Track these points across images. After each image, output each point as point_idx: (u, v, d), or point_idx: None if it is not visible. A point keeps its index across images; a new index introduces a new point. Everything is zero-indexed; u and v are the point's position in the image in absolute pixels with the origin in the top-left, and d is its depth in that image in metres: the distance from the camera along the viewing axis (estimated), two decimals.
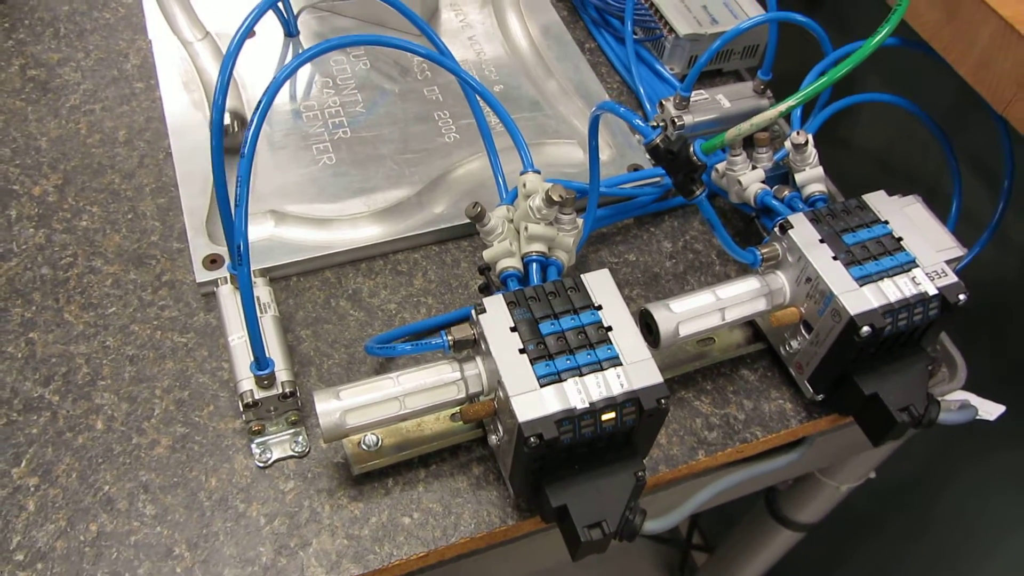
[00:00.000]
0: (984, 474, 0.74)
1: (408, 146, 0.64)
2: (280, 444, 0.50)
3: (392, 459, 0.50)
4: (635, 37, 0.71)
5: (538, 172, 0.53)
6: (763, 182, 0.59)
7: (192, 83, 0.67)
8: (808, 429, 0.56)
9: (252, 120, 0.45)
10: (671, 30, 0.70)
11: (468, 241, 0.61)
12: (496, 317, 0.46)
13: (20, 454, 0.49)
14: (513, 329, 0.46)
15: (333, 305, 0.57)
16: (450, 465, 0.51)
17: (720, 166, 0.61)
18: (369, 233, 0.59)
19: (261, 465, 0.50)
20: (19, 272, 0.56)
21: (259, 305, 0.51)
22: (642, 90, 0.70)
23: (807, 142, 0.57)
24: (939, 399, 0.53)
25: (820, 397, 0.54)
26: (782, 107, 0.46)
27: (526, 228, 0.51)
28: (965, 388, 0.60)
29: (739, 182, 0.59)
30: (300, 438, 0.50)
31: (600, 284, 0.48)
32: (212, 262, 0.56)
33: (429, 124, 0.66)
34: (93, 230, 0.59)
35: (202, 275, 0.56)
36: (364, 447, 0.50)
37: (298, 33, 0.70)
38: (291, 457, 0.50)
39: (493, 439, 0.48)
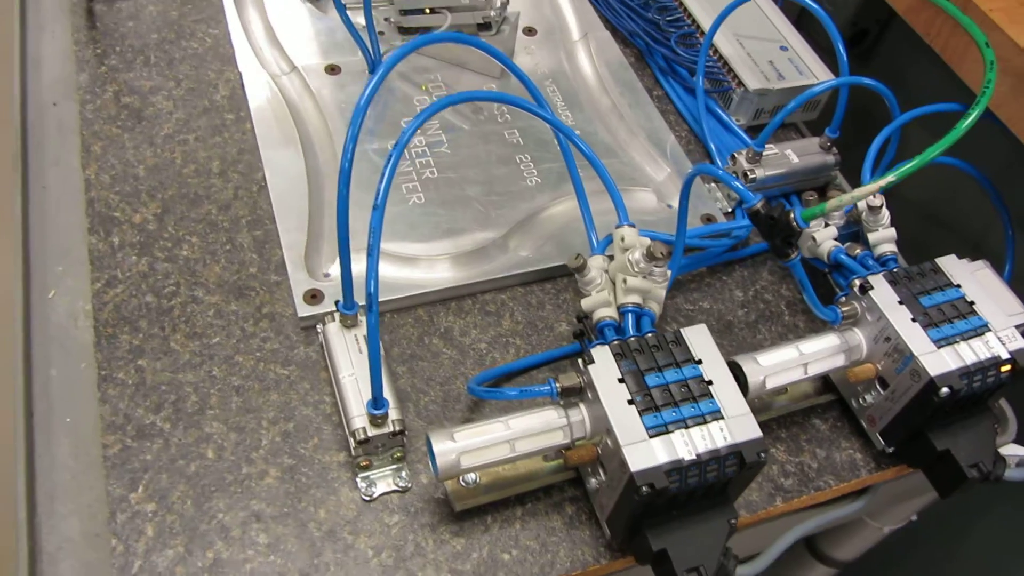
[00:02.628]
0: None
1: (493, 188, 0.67)
2: (384, 479, 0.53)
3: (492, 497, 0.52)
4: (704, 88, 0.74)
5: (633, 226, 0.56)
6: (835, 239, 0.62)
7: (282, 116, 0.69)
8: (876, 479, 0.58)
9: (384, 173, 0.47)
10: (740, 83, 0.73)
11: (551, 284, 0.64)
12: (604, 368, 0.49)
13: (136, 480, 0.51)
14: (621, 380, 0.49)
15: (427, 343, 0.59)
16: (544, 504, 0.53)
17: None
18: (458, 274, 0.61)
19: (367, 499, 0.52)
20: (125, 299, 0.58)
21: (366, 343, 0.54)
22: (711, 141, 0.73)
23: (882, 204, 0.60)
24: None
25: (891, 450, 0.57)
26: (882, 182, 0.49)
27: (624, 281, 0.54)
28: (1016, 442, 0.63)
29: (813, 238, 0.62)
30: (404, 473, 0.53)
31: (699, 339, 0.51)
32: (312, 297, 0.58)
33: (511, 167, 0.68)
34: (194, 260, 0.61)
35: (304, 310, 0.58)
36: (463, 484, 0.52)
37: None
38: (395, 492, 0.52)
39: (592, 482, 0.51)
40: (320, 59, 0.73)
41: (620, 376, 0.49)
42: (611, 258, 0.57)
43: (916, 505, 0.74)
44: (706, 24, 0.77)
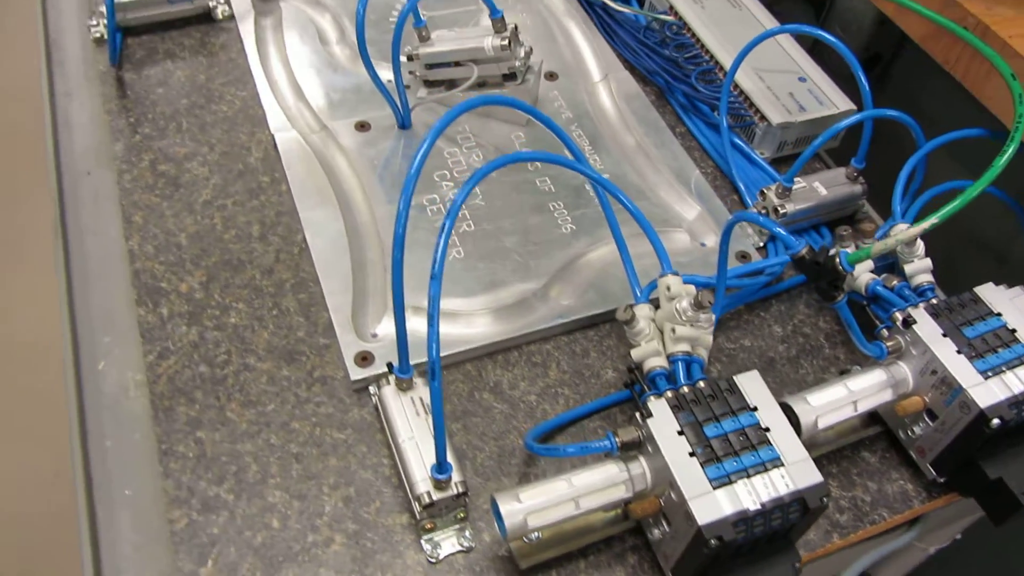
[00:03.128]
0: None
1: (529, 238, 0.68)
2: (448, 540, 0.53)
3: (555, 552, 0.53)
4: (727, 124, 0.75)
5: (676, 274, 0.57)
6: (871, 271, 0.63)
7: (317, 175, 0.70)
8: (928, 508, 0.59)
9: (439, 242, 0.48)
10: (763, 118, 0.74)
11: (594, 331, 0.65)
12: (663, 421, 0.50)
13: (205, 554, 0.52)
14: (680, 432, 0.49)
15: (477, 398, 0.60)
16: (607, 555, 0.54)
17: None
18: (503, 326, 0.62)
19: (432, 561, 0.52)
20: (179, 370, 0.59)
21: (423, 406, 0.54)
22: (737, 177, 0.74)
23: (916, 239, 0.61)
24: None
25: (942, 479, 0.58)
26: (926, 225, 0.50)
27: (673, 330, 0.55)
28: None
29: (837, 255, 0.63)
30: (467, 533, 0.53)
31: (752, 385, 0.52)
32: (363, 359, 0.59)
33: (545, 215, 0.69)
34: (242, 327, 0.62)
35: (355, 373, 0.59)
36: (527, 541, 0.53)
37: (411, 125, 0.74)
38: (459, 552, 0.53)
39: (655, 533, 0.52)
40: (349, 116, 0.74)
41: (679, 428, 0.50)
42: (656, 305, 0.58)
43: (962, 525, 0.75)
44: (724, 60, 0.78)
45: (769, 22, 0.82)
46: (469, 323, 0.62)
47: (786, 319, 0.67)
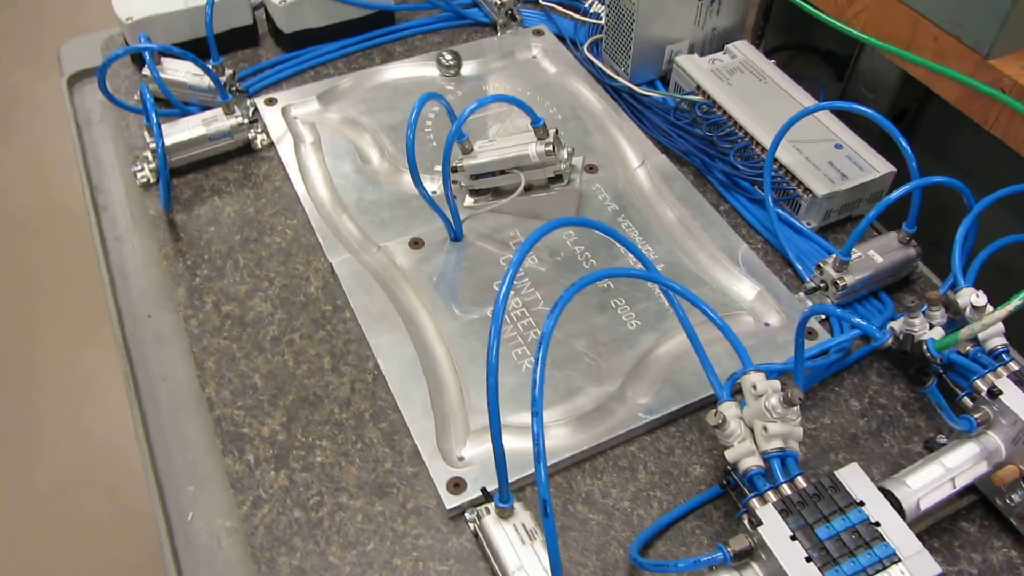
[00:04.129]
0: None
1: (597, 339, 0.68)
2: None
3: None
4: (772, 199, 0.76)
5: (759, 370, 0.57)
6: None
7: (378, 298, 0.71)
8: None
9: (535, 379, 0.48)
10: (807, 190, 0.75)
11: (675, 427, 0.65)
12: (774, 528, 0.50)
13: None
14: (793, 538, 0.49)
15: (572, 511, 0.60)
16: None
17: (896, 325, 0.65)
18: (586, 435, 0.63)
19: None
20: (274, 518, 0.59)
21: (527, 532, 0.55)
22: (788, 250, 0.74)
23: (986, 303, 0.62)
24: None
25: None
26: (1010, 307, 0.51)
27: (765, 428, 0.55)
28: None
29: (924, 343, 0.63)
30: None
31: (855, 480, 0.52)
32: (455, 486, 0.59)
33: (609, 313, 0.70)
34: (329, 464, 0.62)
35: (450, 501, 0.59)
36: None
37: (463, 237, 0.75)
38: None
39: None
40: (401, 234, 0.75)
41: (791, 533, 0.50)
42: (739, 399, 0.58)
43: None
44: (759, 135, 0.79)
45: (797, 93, 0.84)
46: (552, 435, 0.63)
47: (861, 391, 0.67)
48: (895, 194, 0.66)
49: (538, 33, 0.96)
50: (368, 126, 0.85)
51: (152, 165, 0.80)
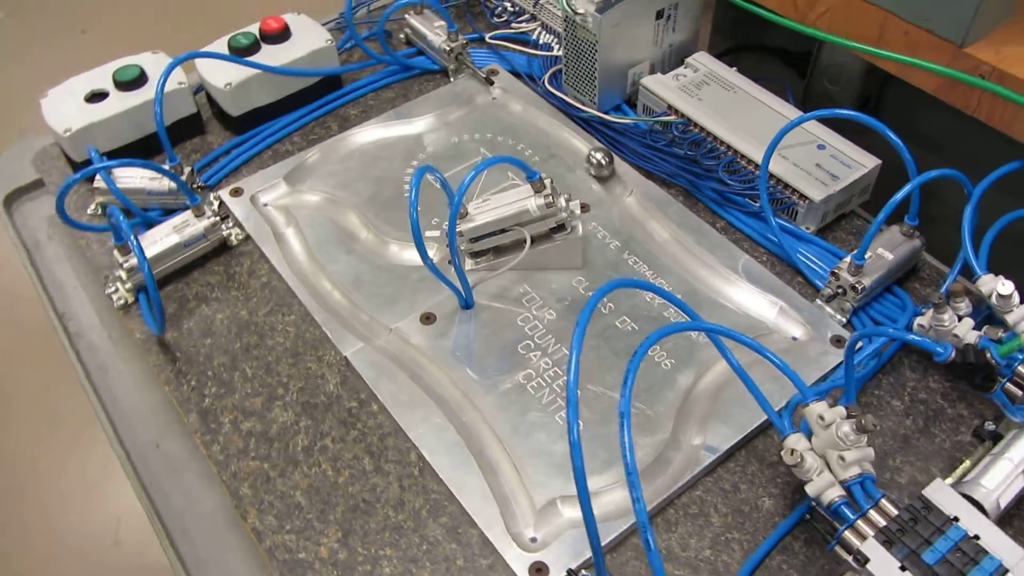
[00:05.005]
0: None
1: (636, 386, 0.67)
2: None
3: None
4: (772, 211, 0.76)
5: (821, 398, 0.57)
6: (974, 328, 0.64)
7: (403, 383, 0.68)
8: None
9: (626, 448, 0.47)
10: (802, 197, 0.76)
11: (733, 462, 0.64)
12: (882, 562, 0.50)
13: None
14: (903, 568, 0.49)
15: None
16: None
17: (923, 321, 0.66)
18: (651, 489, 0.61)
19: None
20: None
21: None
22: (795, 259, 0.75)
23: (1012, 292, 0.63)
24: None
25: None
26: None
27: (842, 457, 0.55)
28: None
29: (955, 335, 0.64)
30: None
31: (942, 495, 0.52)
32: (538, 571, 0.57)
33: None
34: (399, 575, 0.59)
35: None
36: None
37: (474, 304, 0.73)
38: None
39: None
40: (410, 310, 0.73)
41: (900, 564, 0.50)
42: (800, 430, 0.58)
43: None
44: (743, 148, 0.79)
45: (768, 99, 0.84)
46: (617, 495, 0.61)
47: (899, 390, 0.68)
48: (900, 194, 0.67)
49: (493, 73, 0.94)
50: (346, 201, 0.82)
51: (128, 285, 0.75)
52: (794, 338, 0.70)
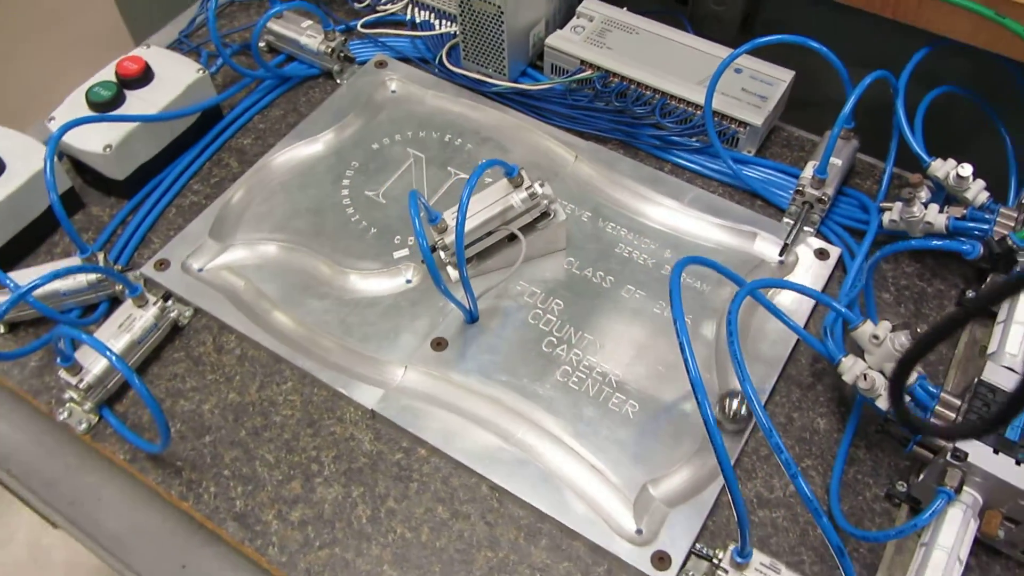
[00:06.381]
0: None
1: (659, 366, 0.68)
2: None
3: None
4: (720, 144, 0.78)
5: (865, 319, 0.60)
6: (940, 211, 0.70)
7: (440, 419, 0.64)
8: None
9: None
10: (741, 124, 0.78)
11: (776, 394, 0.67)
12: (979, 453, 0.54)
13: None
14: (996, 451, 0.54)
15: (756, 520, 0.61)
16: None
17: (893, 216, 0.71)
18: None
19: None
20: None
21: (770, 568, 0.55)
22: (752, 184, 0.77)
23: (970, 174, 0.69)
24: None
25: None
26: None
27: None
28: None
29: (927, 222, 0.69)
30: None
31: (998, 376, 0.58)
32: (660, 560, 0.58)
33: (653, 333, 0.69)
34: None
35: None
36: None
37: (479, 317, 0.70)
38: None
39: (1001, 535, 0.57)
40: (419, 341, 0.68)
41: (994, 448, 0.55)
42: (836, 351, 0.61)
43: None
44: (670, 88, 0.80)
45: (673, 34, 0.85)
46: (692, 469, 0.62)
47: (884, 284, 0.73)
48: (848, 106, 0.70)
49: (381, 65, 0.88)
50: (290, 242, 0.75)
51: (88, 405, 0.64)
52: (780, 260, 0.74)
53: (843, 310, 0.61)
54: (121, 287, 0.69)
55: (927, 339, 0.37)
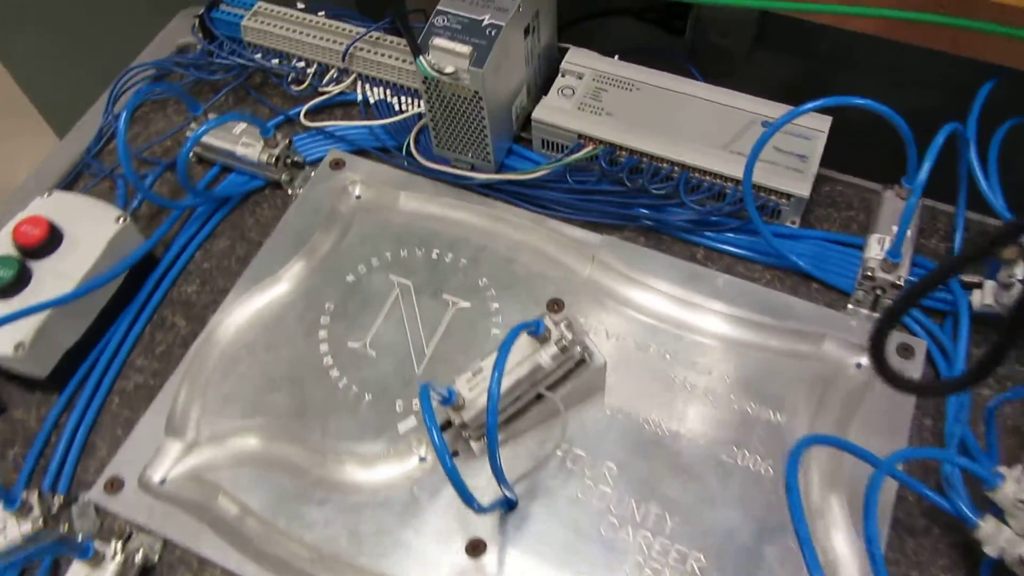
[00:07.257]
0: None
1: (759, 516, 0.56)
2: None
3: None
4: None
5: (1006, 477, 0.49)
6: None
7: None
8: None
9: None
10: (782, 195, 0.65)
11: (887, 549, 0.56)
12: None
13: None
14: None
15: None
16: None
17: (986, 298, 0.60)
18: None
19: None
20: None
21: None
22: (804, 264, 0.65)
23: None
24: None
25: None
26: None
27: None
28: None
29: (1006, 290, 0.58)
30: None
31: None
32: None
33: (727, 469, 0.57)
34: None
35: None
36: None
37: (517, 501, 0.57)
38: None
39: None
40: (447, 550, 0.55)
41: None
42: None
43: None
44: (692, 160, 0.66)
45: (679, 85, 0.71)
46: None
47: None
48: (923, 173, 0.58)
49: (338, 165, 0.73)
50: (268, 428, 0.61)
51: None
52: (858, 365, 0.62)
53: (972, 466, 0.49)
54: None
55: None
